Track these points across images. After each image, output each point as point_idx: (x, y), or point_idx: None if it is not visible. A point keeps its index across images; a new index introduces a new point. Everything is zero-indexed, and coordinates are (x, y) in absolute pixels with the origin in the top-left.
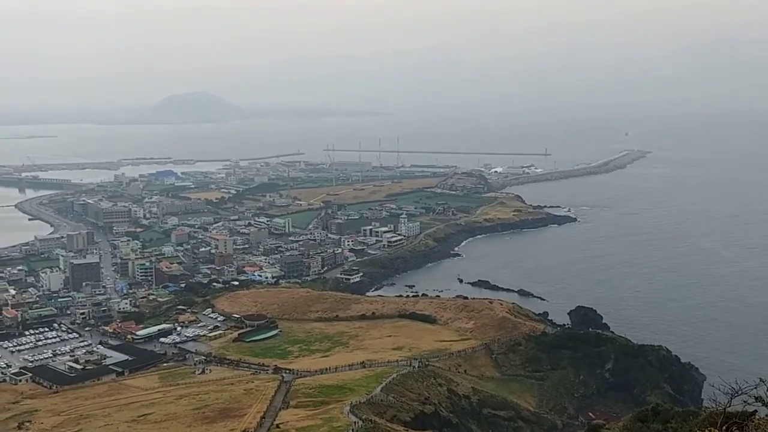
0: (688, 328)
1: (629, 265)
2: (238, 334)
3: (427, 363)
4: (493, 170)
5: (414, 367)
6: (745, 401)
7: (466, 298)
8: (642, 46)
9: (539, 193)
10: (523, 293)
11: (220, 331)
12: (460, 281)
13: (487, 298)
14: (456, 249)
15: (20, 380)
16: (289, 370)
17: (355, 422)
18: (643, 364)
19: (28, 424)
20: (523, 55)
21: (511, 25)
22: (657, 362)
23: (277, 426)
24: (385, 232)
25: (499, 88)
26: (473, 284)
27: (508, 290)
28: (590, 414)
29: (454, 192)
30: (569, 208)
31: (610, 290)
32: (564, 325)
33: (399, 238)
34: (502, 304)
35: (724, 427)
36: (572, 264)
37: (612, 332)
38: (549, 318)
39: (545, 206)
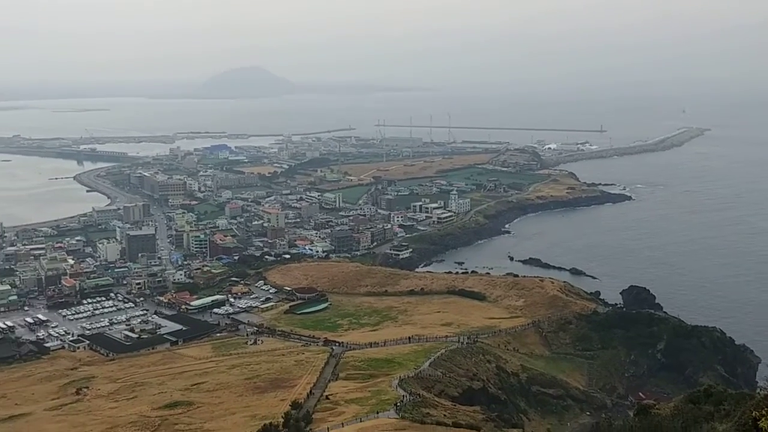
0: (744, 309)
1: (684, 244)
2: (290, 307)
3: (475, 339)
4: (547, 147)
5: (463, 343)
6: None
7: (516, 275)
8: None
9: (593, 170)
10: (575, 272)
11: (272, 303)
12: (511, 259)
13: (538, 276)
14: (507, 226)
15: (78, 347)
16: (339, 342)
17: (403, 396)
18: (696, 345)
19: (85, 390)
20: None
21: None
22: (710, 344)
23: (327, 397)
24: (435, 208)
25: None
26: (524, 262)
27: (559, 269)
28: (640, 394)
29: (506, 168)
30: (624, 186)
31: (665, 270)
32: (616, 304)
33: (449, 214)
34: (553, 283)
35: None
36: (626, 243)
37: (665, 312)
38: (601, 297)
39: (599, 184)
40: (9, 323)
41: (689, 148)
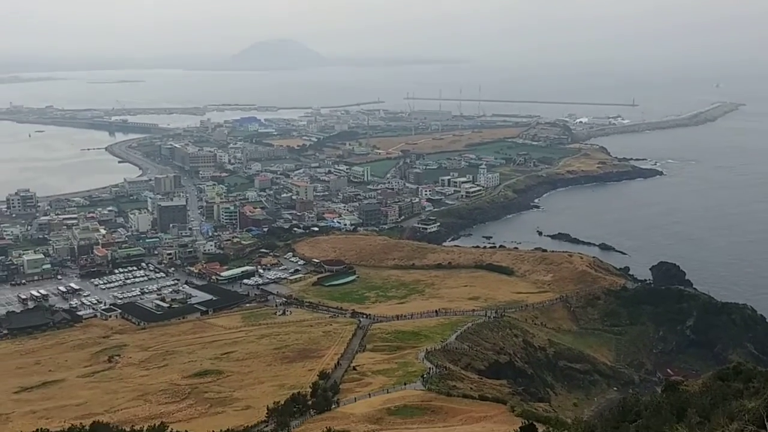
0: None
1: (716, 221)
2: (318, 279)
3: (503, 314)
4: (578, 120)
5: (489, 317)
6: None
7: (545, 250)
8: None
9: (625, 145)
10: (604, 247)
11: (300, 275)
12: (540, 234)
13: (566, 251)
14: (536, 201)
15: (110, 316)
16: (366, 314)
17: (429, 368)
18: (726, 322)
19: (117, 357)
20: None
21: None
22: (741, 321)
23: (354, 368)
24: (463, 182)
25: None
26: (553, 237)
27: (589, 244)
28: (668, 371)
29: (536, 142)
30: (656, 161)
31: (695, 246)
32: (645, 280)
33: (477, 188)
34: (582, 258)
35: None
36: (656, 219)
37: (695, 289)
38: (630, 273)
39: (631, 159)
40: (43, 291)
41: (723, 123)
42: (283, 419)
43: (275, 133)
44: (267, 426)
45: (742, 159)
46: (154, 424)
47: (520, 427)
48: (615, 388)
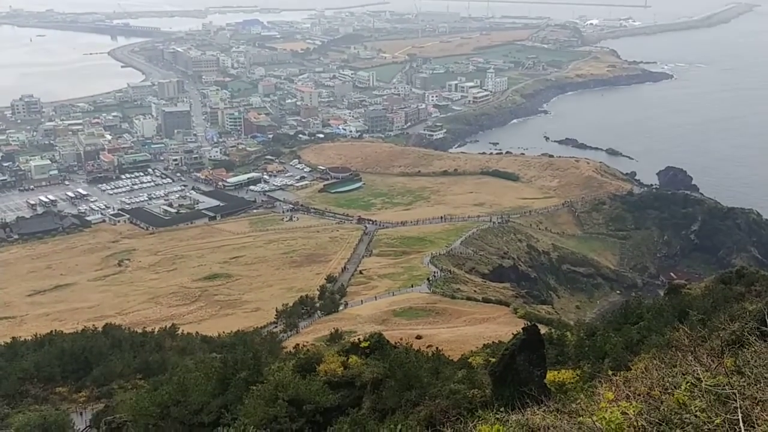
0: None
1: (725, 125)
2: (324, 185)
3: (507, 219)
4: (588, 22)
5: (494, 222)
6: None
7: (551, 156)
8: None
9: (636, 47)
10: (611, 152)
11: (306, 182)
12: (547, 139)
13: (573, 157)
14: (544, 106)
15: (118, 221)
16: (372, 221)
17: (434, 272)
18: (730, 227)
19: (127, 261)
20: None
21: None
22: (746, 225)
23: (360, 272)
24: (470, 87)
25: None
26: (560, 142)
27: (596, 149)
28: (672, 274)
29: (545, 45)
30: (666, 64)
31: (703, 151)
32: (652, 185)
33: (485, 93)
34: (588, 163)
35: None
36: (665, 123)
37: (701, 194)
38: (636, 178)
39: (641, 62)
40: (51, 197)
41: (737, 24)
42: (292, 320)
43: (278, 36)
44: (276, 327)
45: (753, 61)
46: (165, 326)
47: (522, 328)
48: (618, 292)
